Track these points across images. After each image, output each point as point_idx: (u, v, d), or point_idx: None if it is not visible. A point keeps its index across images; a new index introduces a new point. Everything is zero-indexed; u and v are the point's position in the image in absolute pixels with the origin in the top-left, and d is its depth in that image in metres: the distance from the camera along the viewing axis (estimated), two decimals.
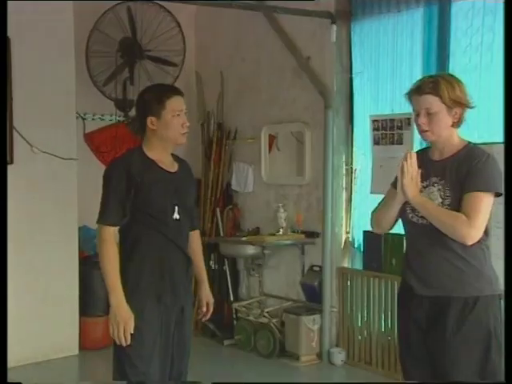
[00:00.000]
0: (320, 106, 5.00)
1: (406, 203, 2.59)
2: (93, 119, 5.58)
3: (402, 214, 2.66)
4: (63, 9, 4.95)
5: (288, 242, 5.18)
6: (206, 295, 3.08)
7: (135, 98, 4.65)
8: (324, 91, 4.93)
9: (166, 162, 2.88)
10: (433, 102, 2.50)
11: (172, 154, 2.96)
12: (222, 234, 5.77)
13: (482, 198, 2.44)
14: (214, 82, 5.86)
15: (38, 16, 4.82)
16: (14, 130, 4.80)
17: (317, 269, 5.09)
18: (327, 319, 4.98)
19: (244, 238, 5.41)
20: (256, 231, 5.54)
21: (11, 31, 4.55)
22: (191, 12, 5.98)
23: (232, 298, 5.62)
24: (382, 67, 4.79)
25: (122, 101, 5.32)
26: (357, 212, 5.02)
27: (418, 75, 4.49)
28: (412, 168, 2.52)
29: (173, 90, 2.91)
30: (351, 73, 4.97)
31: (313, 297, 5.08)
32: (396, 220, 2.72)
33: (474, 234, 2.43)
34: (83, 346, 5.10)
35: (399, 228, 4.47)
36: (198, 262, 3.10)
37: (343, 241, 5.09)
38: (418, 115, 2.57)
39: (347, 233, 5.09)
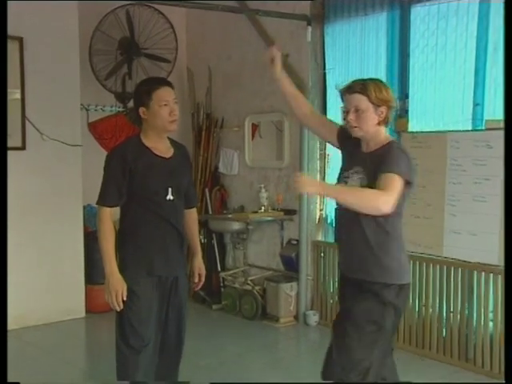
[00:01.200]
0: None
1: None
2: (95, 110, 5.58)
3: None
4: (69, 12, 5.00)
5: (269, 218, 5.22)
6: (199, 266, 3.11)
7: (133, 91, 4.82)
8: (301, 85, 4.73)
9: (160, 148, 2.88)
10: (361, 100, 2.52)
11: (171, 141, 2.98)
12: (210, 211, 5.80)
13: (394, 178, 2.42)
14: (203, 77, 5.90)
15: (48, 18, 4.86)
16: (26, 120, 4.86)
17: (294, 242, 5.18)
18: (303, 286, 5.09)
19: (230, 215, 5.47)
20: (241, 209, 5.61)
21: (25, 31, 4.73)
22: (182, 14, 5.98)
23: (219, 268, 5.68)
24: (352, 64, 4.83)
25: (121, 93, 5.37)
26: None
27: (382, 71, 4.60)
28: (301, 179, 2.47)
29: (160, 82, 2.89)
30: (324, 69, 5.01)
31: (291, 267, 5.17)
32: None
33: (388, 201, 2.37)
34: (89, 309, 5.18)
35: None
36: (193, 237, 3.14)
37: (317, 217, 5.17)
38: (347, 112, 2.57)
39: (321, 210, 5.16)
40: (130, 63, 5.37)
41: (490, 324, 3.96)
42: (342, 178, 2.67)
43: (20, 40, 4.77)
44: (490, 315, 3.96)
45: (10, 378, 3.86)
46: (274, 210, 5.28)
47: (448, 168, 4.17)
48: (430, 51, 4.33)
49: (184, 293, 3.01)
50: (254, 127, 5.57)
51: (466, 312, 4.08)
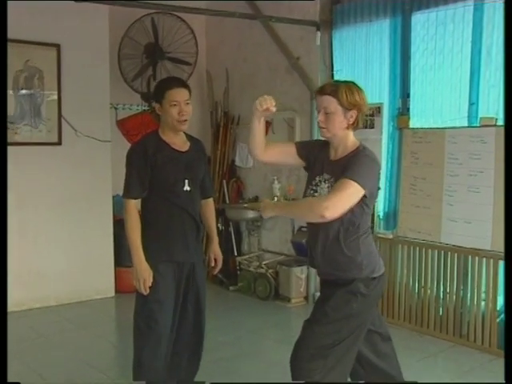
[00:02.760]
0: (307, 97, 5.06)
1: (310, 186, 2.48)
2: (123, 109, 5.61)
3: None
4: (100, 21, 5.06)
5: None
6: (215, 252, 3.09)
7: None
8: (310, 85, 4.99)
9: (177, 142, 2.84)
10: (331, 102, 2.37)
11: (187, 135, 2.93)
12: (227, 201, 5.81)
13: (347, 185, 2.27)
14: (221, 78, 5.91)
15: (81, 27, 4.92)
16: (62, 118, 4.93)
17: (304, 229, 4.93)
18: (313, 269, 4.84)
19: (245, 205, 5.49)
20: (255, 199, 5.60)
21: (61, 38, 4.82)
22: (202, 21, 6.01)
23: (236, 253, 5.70)
24: (357, 66, 4.84)
25: (146, 94, 5.39)
26: None
27: (386, 72, 4.62)
28: (263, 204, 2.45)
29: (174, 83, 2.81)
30: (332, 70, 5.02)
31: (301, 252, 5.10)
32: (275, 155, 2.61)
33: (330, 206, 2.22)
34: (118, 289, 5.25)
35: None
36: (210, 225, 3.11)
37: None
38: (318, 112, 2.44)
39: None
40: (155, 66, 5.41)
41: (482, 304, 4.01)
42: (310, 187, 2.49)
43: (58, 47, 4.85)
44: (483, 295, 4.01)
45: (52, 352, 4.03)
46: (286, 199, 5.26)
47: (446, 161, 4.20)
48: (430, 54, 4.36)
49: (201, 278, 2.97)
50: (268, 124, 5.43)
51: (461, 293, 4.13)
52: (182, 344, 2.97)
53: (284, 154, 2.64)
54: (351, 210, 2.37)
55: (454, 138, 4.15)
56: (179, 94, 2.76)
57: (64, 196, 5.04)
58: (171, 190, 2.81)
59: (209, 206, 3.11)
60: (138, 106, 5.65)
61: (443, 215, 4.23)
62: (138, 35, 5.27)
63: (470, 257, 4.07)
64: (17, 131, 4.81)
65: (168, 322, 2.84)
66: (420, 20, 4.39)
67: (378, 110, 4.62)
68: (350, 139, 2.47)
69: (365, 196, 2.35)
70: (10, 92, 4.76)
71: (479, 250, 3.99)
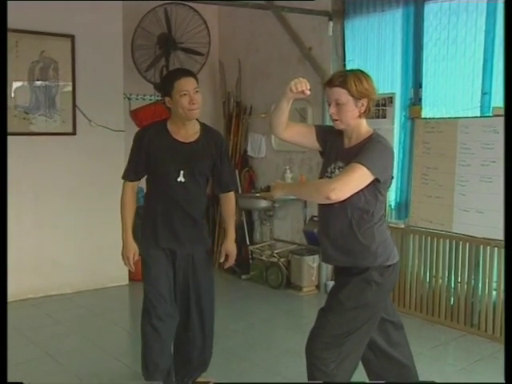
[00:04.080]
0: (319, 87, 4.78)
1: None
2: (136, 99, 5.59)
3: None
4: (114, 12, 5.07)
5: (293, 197, 5.14)
6: (227, 249, 3.04)
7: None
8: (323, 75, 4.93)
9: (182, 132, 2.83)
10: (341, 94, 2.35)
11: (206, 127, 2.92)
12: (240, 191, 5.72)
13: (356, 169, 2.27)
14: (233, 68, 5.91)
15: (96, 18, 4.94)
16: (76, 109, 4.96)
17: (316, 219, 4.91)
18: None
19: (258, 194, 5.50)
20: (267, 189, 5.47)
21: (75, 29, 4.84)
22: (215, 12, 6.01)
23: (248, 242, 5.69)
24: (370, 56, 4.83)
25: (159, 84, 5.19)
26: None
27: (398, 62, 4.59)
28: (275, 185, 2.46)
29: (181, 73, 2.83)
30: (344, 60, 5.00)
31: (313, 241, 5.10)
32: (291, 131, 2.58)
33: (336, 188, 2.23)
34: (131, 277, 5.21)
35: None
36: (226, 221, 3.11)
37: None
38: (329, 105, 2.42)
39: None
40: (168, 56, 5.41)
41: (494, 293, 4.01)
42: (325, 175, 2.49)
43: (72, 38, 4.87)
44: (494, 285, 4.00)
45: (68, 338, 4.08)
46: None
47: (458, 151, 4.19)
48: (442, 44, 4.33)
49: (203, 269, 2.95)
50: None
51: (473, 282, 4.13)
52: (187, 338, 2.99)
53: (303, 135, 2.63)
54: (365, 198, 2.36)
55: (467, 127, 4.13)
56: (188, 83, 2.75)
57: (78, 185, 5.08)
58: (163, 180, 2.83)
59: (227, 202, 3.08)
60: (151, 96, 5.64)
61: (455, 205, 4.22)
62: (151, 26, 5.27)
63: (481, 246, 4.06)
64: (32, 121, 4.86)
65: (168, 308, 2.86)
66: (433, 9, 4.36)
67: (390, 99, 4.62)
68: (363, 127, 2.45)
69: (378, 181, 2.34)
70: (25, 83, 4.80)
71: (491, 239, 3.99)
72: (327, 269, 5.17)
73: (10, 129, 4.66)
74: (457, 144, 4.20)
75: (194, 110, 2.76)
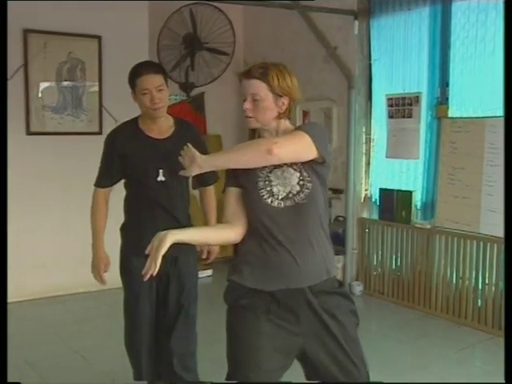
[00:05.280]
0: (345, 86, 5.02)
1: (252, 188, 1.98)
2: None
3: (253, 200, 1.98)
4: (140, 12, 5.07)
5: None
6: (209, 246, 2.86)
7: (195, 81, 4.73)
8: (348, 74, 4.98)
9: (155, 129, 2.66)
10: (260, 87, 1.98)
11: (177, 121, 2.72)
12: None
13: (298, 134, 1.94)
14: None
15: (122, 18, 4.96)
16: (102, 108, 5.00)
17: (341, 219, 5.19)
18: (349, 259, 5.11)
19: None
20: None
21: (102, 30, 4.89)
22: (240, 11, 6.00)
23: None
24: (395, 55, 4.79)
25: (184, 84, 5.48)
26: (374, 173, 5.08)
27: (424, 61, 4.55)
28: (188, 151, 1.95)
29: (144, 69, 2.61)
30: (370, 59, 4.99)
31: (338, 241, 5.11)
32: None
33: (276, 141, 1.88)
34: None
35: (408, 185, 4.80)
36: (207, 215, 2.89)
37: (363, 196, 5.15)
38: (244, 100, 2.01)
39: (366, 190, 5.15)
40: (193, 56, 5.47)
41: None
42: (263, 185, 1.99)
43: (99, 39, 4.92)
44: None
45: (94, 335, 4.11)
46: None
47: (486, 151, 4.13)
48: (470, 43, 4.28)
49: (186, 270, 2.74)
50: (305, 113, 5.53)
51: (500, 284, 4.05)
52: (167, 340, 2.76)
53: (239, 207, 2.04)
54: (320, 191, 2.00)
55: (495, 127, 4.07)
56: (149, 81, 2.56)
57: None
58: (142, 181, 2.63)
59: (207, 196, 2.89)
60: (176, 95, 5.66)
61: (482, 205, 4.17)
62: (177, 26, 5.33)
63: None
64: (60, 121, 4.92)
65: (145, 315, 2.74)
66: (461, 8, 4.31)
67: (416, 99, 4.60)
68: (287, 128, 2.06)
69: (323, 161, 1.98)
70: (53, 83, 4.87)
71: None
72: (352, 269, 5.16)
73: (37, 129, 4.85)
74: (484, 144, 4.14)
75: (157, 109, 2.58)
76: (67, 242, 5.03)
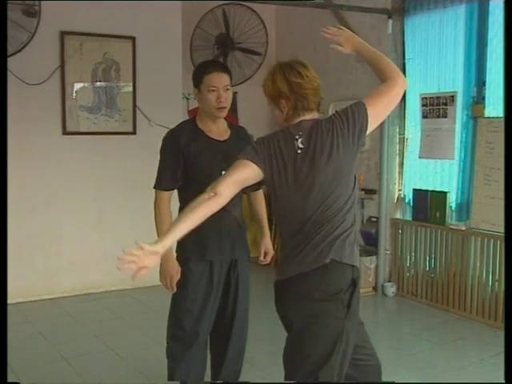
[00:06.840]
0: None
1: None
2: (194, 99, 5.40)
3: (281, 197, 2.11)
4: (173, 13, 5.12)
5: None
6: (265, 246, 2.89)
7: None
8: None
9: (215, 130, 2.64)
10: (265, 94, 2.21)
11: (228, 123, 2.74)
12: None
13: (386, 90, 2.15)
14: None
15: (156, 19, 5.03)
16: (136, 109, 5.06)
17: (374, 219, 5.17)
18: (382, 260, 5.08)
19: None
20: None
21: (136, 31, 4.96)
22: (272, 11, 6.04)
23: None
24: (430, 54, 4.73)
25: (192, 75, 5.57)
26: (407, 173, 5.03)
27: (460, 60, 4.48)
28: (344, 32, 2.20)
29: (213, 67, 2.59)
30: (404, 59, 4.94)
31: (370, 242, 5.15)
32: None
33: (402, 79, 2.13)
34: None
35: (442, 186, 4.74)
36: (259, 219, 2.92)
37: (396, 197, 5.11)
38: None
39: (399, 190, 5.10)
40: (226, 56, 5.49)
41: None
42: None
43: (133, 39, 4.98)
44: None
45: (127, 332, 4.16)
46: None
47: None
48: None
49: (244, 276, 2.76)
50: None
51: None
52: (220, 344, 2.80)
53: (242, 183, 2.12)
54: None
55: None
56: (218, 79, 2.55)
57: (138, 183, 5.13)
58: (206, 182, 2.36)
59: (257, 199, 2.91)
60: None
61: None
62: (210, 26, 5.37)
63: None
64: (94, 121, 5.00)
65: (199, 326, 2.68)
66: (499, 5, 4.20)
67: (451, 98, 4.53)
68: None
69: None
70: (88, 84, 4.95)
71: None
72: (385, 270, 5.13)
73: (73, 128, 4.93)
74: None
75: (222, 108, 2.58)
76: (101, 239, 5.11)
